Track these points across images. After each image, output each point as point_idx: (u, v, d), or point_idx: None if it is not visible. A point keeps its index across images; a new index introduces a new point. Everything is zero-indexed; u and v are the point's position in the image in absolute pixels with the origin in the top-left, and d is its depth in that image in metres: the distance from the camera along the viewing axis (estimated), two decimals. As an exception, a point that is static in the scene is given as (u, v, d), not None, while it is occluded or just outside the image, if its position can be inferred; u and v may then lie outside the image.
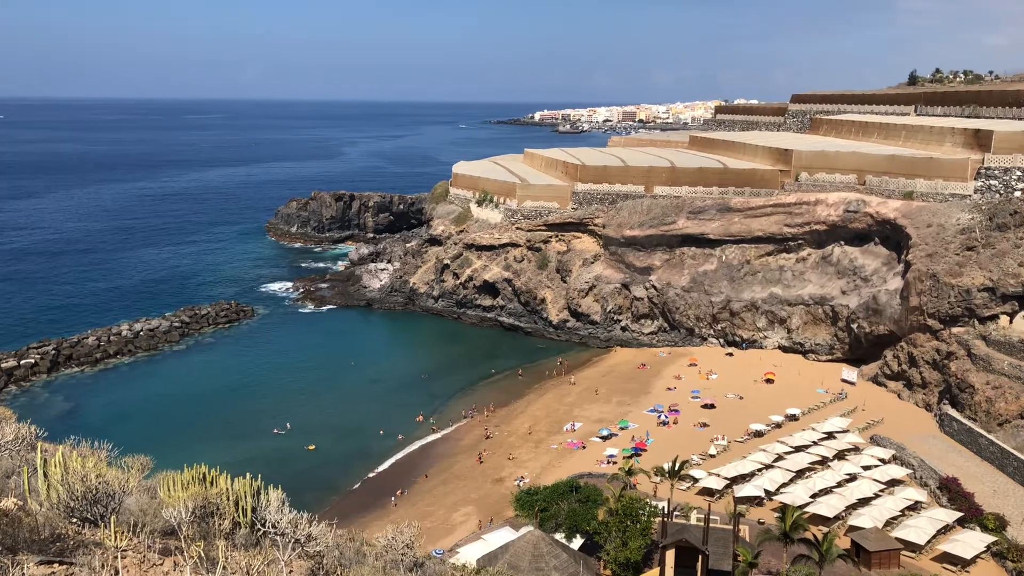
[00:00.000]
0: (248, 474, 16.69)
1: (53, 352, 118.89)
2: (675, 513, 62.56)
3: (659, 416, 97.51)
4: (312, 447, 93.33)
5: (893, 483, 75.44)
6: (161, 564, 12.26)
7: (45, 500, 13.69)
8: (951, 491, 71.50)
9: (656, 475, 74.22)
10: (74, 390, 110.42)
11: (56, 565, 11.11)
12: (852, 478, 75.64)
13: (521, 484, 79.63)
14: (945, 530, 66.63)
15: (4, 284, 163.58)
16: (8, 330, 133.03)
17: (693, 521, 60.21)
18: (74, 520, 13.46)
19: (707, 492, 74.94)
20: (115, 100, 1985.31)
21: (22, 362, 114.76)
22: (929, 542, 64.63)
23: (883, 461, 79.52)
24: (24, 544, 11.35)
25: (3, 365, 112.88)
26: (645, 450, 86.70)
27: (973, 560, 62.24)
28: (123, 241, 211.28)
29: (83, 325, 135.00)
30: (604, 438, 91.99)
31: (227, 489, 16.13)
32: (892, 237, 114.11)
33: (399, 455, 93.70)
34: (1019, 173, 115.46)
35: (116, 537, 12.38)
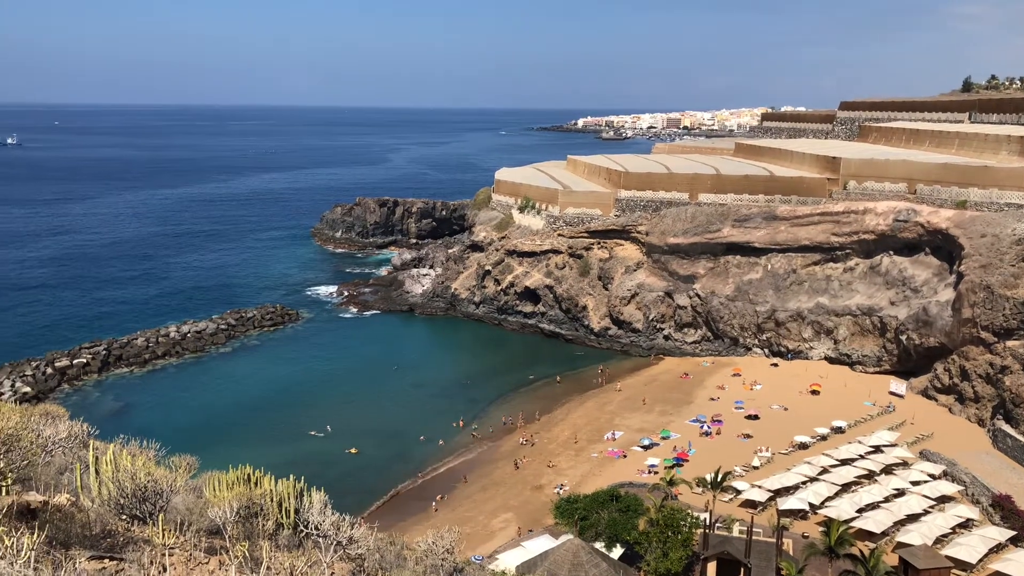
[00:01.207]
0: (291, 476, 16.85)
1: (104, 352, 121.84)
2: (717, 525, 61.76)
3: (702, 426, 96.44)
4: (354, 450, 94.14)
5: (943, 499, 73.56)
6: (207, 563, 12.41)
7: (96, 497, 13.98)
8: (1004, 509, 69.48)
9: (698, 486, 73.47)
10: (124, 390, 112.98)
11: (107, 561, 11.32)
12: (900, 493, 73.92)
13: (561, 492, 79.35)
14: (998, 549, 64.73)
15: (58, 286, 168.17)
16: (62, 330, 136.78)
17: (735, 533, 59.38)
18: (124, 517, 13.71)
19: (750, 504, 73.86)
20: (162, 106, 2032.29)
21: (75, 361, 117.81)
22: (981, 561, 62.84)
23: (933, 477, 77.60)
24: (76, 539, 11.59)
25: (57, 364, 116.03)
26: (687, 460, 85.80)
27: (1027, 581, 60.34)
28: (171, 244, 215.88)
29: (132, 326, 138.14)
30: (645, 447, 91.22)
31: (271, 490, 16.29)
32: (944, 247, 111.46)
33: (439, 460, 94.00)
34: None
35: (164, 535, 12.58)
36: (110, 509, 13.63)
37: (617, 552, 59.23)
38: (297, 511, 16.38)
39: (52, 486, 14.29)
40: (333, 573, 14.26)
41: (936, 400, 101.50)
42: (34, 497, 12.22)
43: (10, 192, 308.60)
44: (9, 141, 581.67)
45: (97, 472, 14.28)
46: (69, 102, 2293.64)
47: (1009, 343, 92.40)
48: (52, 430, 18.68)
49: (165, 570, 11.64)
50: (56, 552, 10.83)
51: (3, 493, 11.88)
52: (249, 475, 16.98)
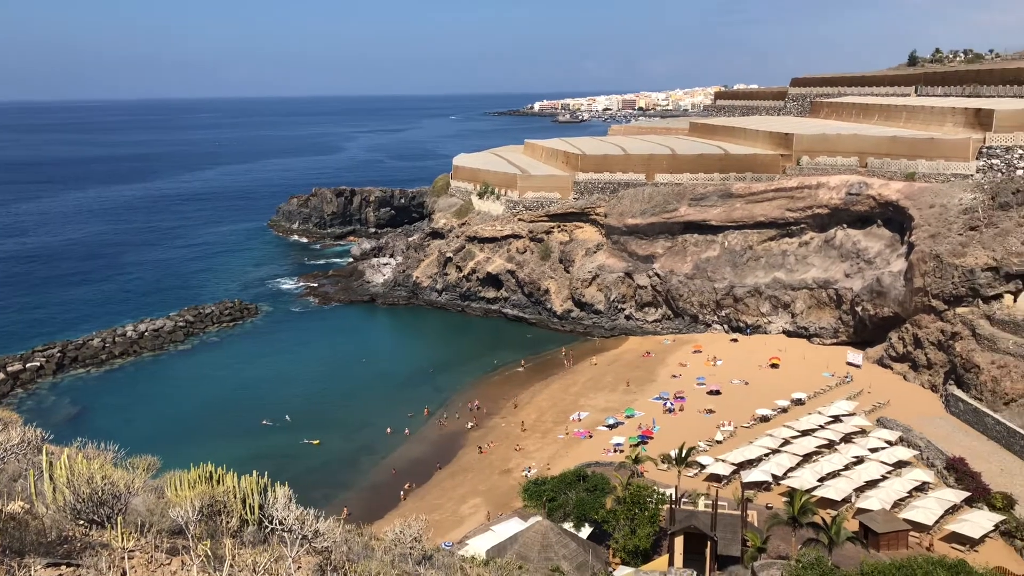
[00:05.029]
0: (255, 471, 16.73)
1: (58, 354, 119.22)
2: (683, 500, 62.60)
3: (665, 403, 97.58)
4: (317, 442, 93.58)
5: (900, 465, 75.48)
6: (168, 564, 12.30)
7: (51, 503, 13.73)
8: (958, 471, 71.52)
9: (663, 462, 74.43)
10: (80, 392, 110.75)
11: (63, 567, 11.16)
12: (859, 461, 75.65)
13: (528, 475, 79.82)
14: (953, 510, 66.68)
15: (6, 288, 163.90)
16: (12, 334, 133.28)
17: (701, 507, 60.26)
18: (81, 522, 13.50)
19: (714, 478, 75.04)
20: (105, 101, 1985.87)
21: (27, 365, 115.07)
22: (937, 522, 64.71)
23: (890, 443, 79.54)
24: (31, 547, 11.39)
25: (9, 368, 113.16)
26: (651, 438, 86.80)
27: (982, 539, 62.32)
28: (125, 243, 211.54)
29: (87, 327, 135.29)
30: (610, 427, 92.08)
31: (234, 487, 16.17)
32: (895, 219, 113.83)
33: (406, 449, 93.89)
34: (1021, 152, 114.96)
35: (123, 538, 12.42)
36: (66, 515, 13.41)
37: (586, 531, 59.78)
38: (261, 507, 16.27)
39: (5, 494, 14.01)
40: (299, 567, 14.21)
41: (891, 368, 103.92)
42: (-14, 506, 11.98)
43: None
44: None
45: (51, 477, 14.02)
46: (8, 99, 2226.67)
47: (959, 310, 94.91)
48: (4, 436, 18.28)
49: (125, 573, 11.51)
50: (10, 561, 10.64)
51: (-47, 503, 11.63)
52: (211, 473, 16.83)
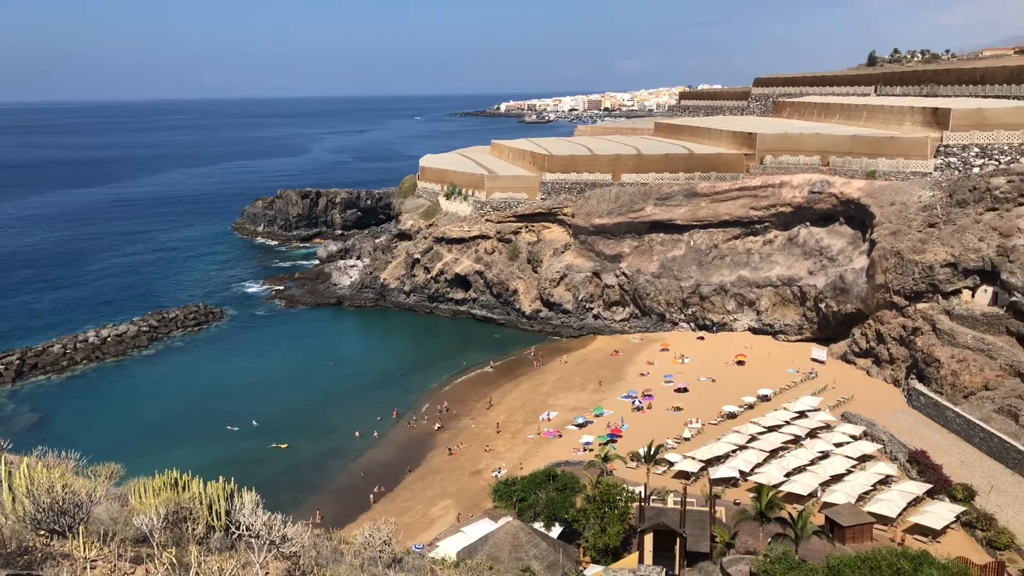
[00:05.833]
0: (221, 477, 16.55)
1: (17, 362, 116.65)
2: (652, 497, 63.01)
3: (633, 402, 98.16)
4: (284, 446, 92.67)
5: (864, 459, 76.65)
6: (132, 573, 12.12)
7: (11, 513, 13.46)
8: (920, 464, 72.84)
9: (632, 460, 74.86)
10: (41, 399, 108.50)
11: (24, 578, 10.94)
12: (824, 455, 76.71)
13: (498, 475, 79.80)
14: (915, 502, 67.88)
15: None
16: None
17: (670, 505, 60.70)
18: (42, 532, 13.24)
19: (683, 475, 75.61)
20: (77, 103, 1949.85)
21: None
22: (900, 514, 65.81)
23: (854, 437, 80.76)
24: (-10, 558, 11.16)
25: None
26: (620, 436, 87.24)
27: (943, 530, 63.47)
28: (87, 247, 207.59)
29: (48, 334, 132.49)
30: (580, 426, 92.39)
31: (200, 493, 15.99)
32: (857, 216, 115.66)
33: (375, 452, 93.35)
34: (977, 150, 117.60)
35: (85, 547, 12.21)
36: (26, 525, 13.15)
37: (556, 531, 59.92)
38: (228, 513, 16.10)
39: (-38, 505, 13.70)
40: (267, 573, 14.09)
41: (855, 364, 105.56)
42: (-58, 518, 11.71)
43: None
44: None
45: (10, 487, 13.74)
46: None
47: (919, 306, 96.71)
48: (-39, 447, 17.88)
49: (88, 583, 11.32)
50: (-32, 573, 10.42)
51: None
52: (176, 479, 16.62)
